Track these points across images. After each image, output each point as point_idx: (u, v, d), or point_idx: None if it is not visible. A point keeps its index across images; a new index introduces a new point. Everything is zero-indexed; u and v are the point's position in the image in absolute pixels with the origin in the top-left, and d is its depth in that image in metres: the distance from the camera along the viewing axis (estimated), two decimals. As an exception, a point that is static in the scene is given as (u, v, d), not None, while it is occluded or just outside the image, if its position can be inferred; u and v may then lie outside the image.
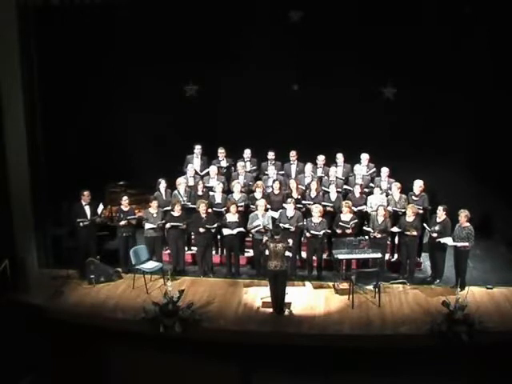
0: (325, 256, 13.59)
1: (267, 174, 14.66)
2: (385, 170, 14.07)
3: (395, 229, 12.99)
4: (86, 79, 15.17)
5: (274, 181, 14.09)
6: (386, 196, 13.70)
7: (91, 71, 15.12)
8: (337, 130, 15.01)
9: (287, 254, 11.96)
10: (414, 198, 13.40)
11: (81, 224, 13.49)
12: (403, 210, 13.10)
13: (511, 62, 13.95)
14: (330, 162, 14.75)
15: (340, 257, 12.73)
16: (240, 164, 14.64)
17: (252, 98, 15.41)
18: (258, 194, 13.76)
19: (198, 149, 14.98)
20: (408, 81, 14.91)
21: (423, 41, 14.36)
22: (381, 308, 11.99)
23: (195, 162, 14.95)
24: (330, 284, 13.02)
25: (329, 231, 13.09)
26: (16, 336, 11.51)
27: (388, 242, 13.66)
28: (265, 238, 12.38)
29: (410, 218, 12.84)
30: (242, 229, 13.31)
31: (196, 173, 14.75)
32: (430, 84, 14.65)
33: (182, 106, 16.05)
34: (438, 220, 12.68)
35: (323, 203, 13.45)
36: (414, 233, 12.88)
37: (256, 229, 13.11)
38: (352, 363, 11.10)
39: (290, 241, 12.29)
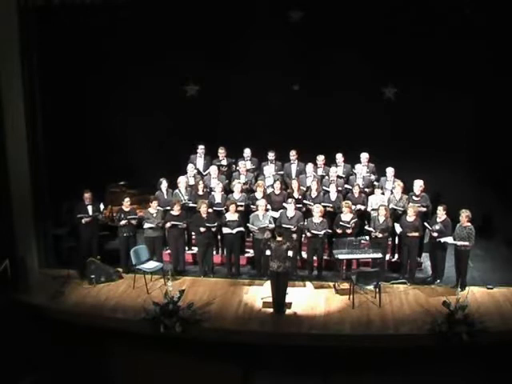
0: (325, 256, 13.58)
1: (264, 174, 14.67)
2: (390, 170, 14.07)
3: (397, 227, 12.97)
4: (86, 79, 15.19)
5: (275, 181, 14.11)
6: (390, 195, 13.70)
7: (92, 71, 15.13)
8: (337, 130, 15.04)
9: (289, 253, 11.95)
10: (414, 198, 13.39)
11: (82, 221, 13.53)
12: (403, 209, 13.11)
13: (511, 61, 13.94)
14: (331, 161, 14.74)
15: (340, 257, 12.74)
16: (241, 163, 14.65)
17: (252, 98, 15.45)
18: (258, 194, 13.76)
19: (201, 149, 15.02)
20: (409, 81, 14.94)
21: (423, 41, 14.36)
22: (381, 308, 11.99)
23: (198, 162, 15.00)
24: (331, 284, 13.02)
25: (329, 231, 13.09)
26: (16, 336, 11.51)
27: (389, 242, 13.63)
28: (265, 234, 12.46)
29: (410, 218, 12.84)
30: (241, 228, 13.32)
31: (199, 172, 14.78)
32: (431, 84, 14.67)
33: (182, 106, 16.07)
34: (439, 220, 12.68)
35: (323, 203, 13.44)
36: (416, 234, 12.90)
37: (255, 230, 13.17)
38: (352, 363, 11.11)
39: (294, 236, 12.34)
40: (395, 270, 13.45)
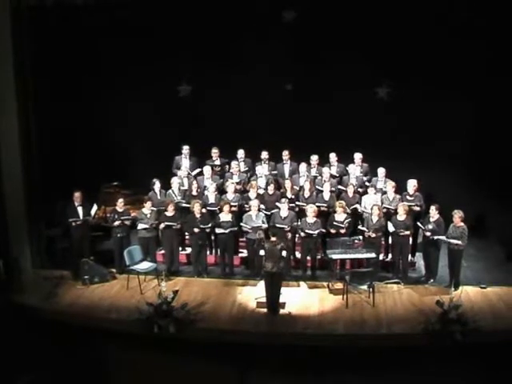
0: (319, 256, 13.58)
1: (257, 174, 14.67)
2: (382, 171, 14.08)
3: (390, 226, 12.99)
4: (80, 79, 15.20)
5: (268, 181, 14.11)
6: (382, 195, 13.70)
7: (86, 71, 15.15)
8: (331, 130, 15.05)
9: (283, 254, 11.96)
10: (408, 197, 13.41)
11: (73, 224, 13.50)
12: (395, 209, 13.13)
13: (509, 62, 13.98)
14: (324, 161, 14.74)
15: (334, 257, 12.76)
16: (234, 163, 14.63)
17: (246, 98, 15.47)
18: (252, 194, 13.77)
19: (186, 149, 14.93)
20: (402, 80, 14.93)
21: (418, 40, 14.37)
22: (375, 308, 12.01)
23: (184, 163, 14.91)
24: (325, 284, 13.04)
25: (323, 231, 13.10)
26: (11, 336, 11.51)
27: (382, 242, 13.65)
28: (258, 234, 12.54)
29: (401, 216, 12.89)
30: (235, 228, 13.33)
31: (188, 173, 14.74)
32: (425, 84, 14.67)
33: (175, 106, 16.04)
34: (432, 219, 12.70)
35: (317, 204, 13.45)
36: (407, 232, 12.92)
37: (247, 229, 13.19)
38: (346, 363, 11.12)
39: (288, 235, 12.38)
40: (388, 269, 13.47)
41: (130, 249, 13.20)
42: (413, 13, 14.17)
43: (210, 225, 13.36)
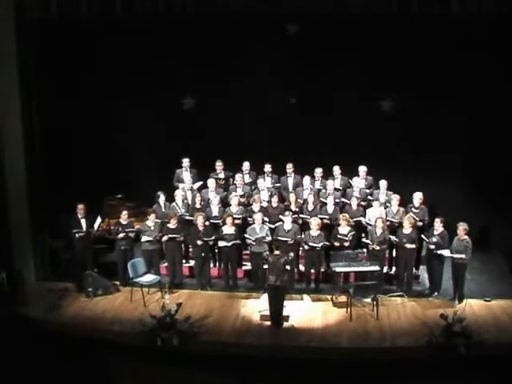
0: (322, 269, 13.56)
1: (258, 188, 14.64)
2: (383, 183, 14.07)
3: (394, 238, 12.98)
4: (83, 91, 15.26)
5: (272, 194, 14.11)
6: (385, 208, 13.70)
7: (89, 84, 15.21)
8: (334, 143, 15.10)
9: (287, 267, 11.94)
10: (413, 210, 13.40)
11: (76, 235, 13.51)
12: (400, 221, 13.13)
13: (510, 74, 14.02)
14: (328, 174, 14.73)
15: (338, 269, 12.73)
16: (238, 176, 14.63)
17: (250, 111, 15.50)
18: (255, 207, 13.77)
19: (186, 162, 14.91)
20: (406, 94, 14.95)
21: (422, 54, 14.43)
22: (379, 321, 11.99)
23: (185, 176, 14.90)
24: (328, 297, 13.00)
25: (327, 243, 13.08)
26: (14, 348, 11.49)
27: (386, 255, 13.62)
28: (264, 248, 12.57)
29: (407, 230, 12.87)
30: (238, 241, 13.32)
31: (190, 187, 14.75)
32: (429, 97, 14.72)
33: (180, 119, 16.07)
34: (436, 232, 12.69)
35: (320, 216, 13.44)
36: (413, 246, 12.91)
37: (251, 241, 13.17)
38: (350, 376, 11.05)
39: (291, 254, 12.33)
40: (392, 282, 13.45)
41: (133, 261, 13.20)
42: (415, 28, 14.20)
43: (212, 237, 13.35)
